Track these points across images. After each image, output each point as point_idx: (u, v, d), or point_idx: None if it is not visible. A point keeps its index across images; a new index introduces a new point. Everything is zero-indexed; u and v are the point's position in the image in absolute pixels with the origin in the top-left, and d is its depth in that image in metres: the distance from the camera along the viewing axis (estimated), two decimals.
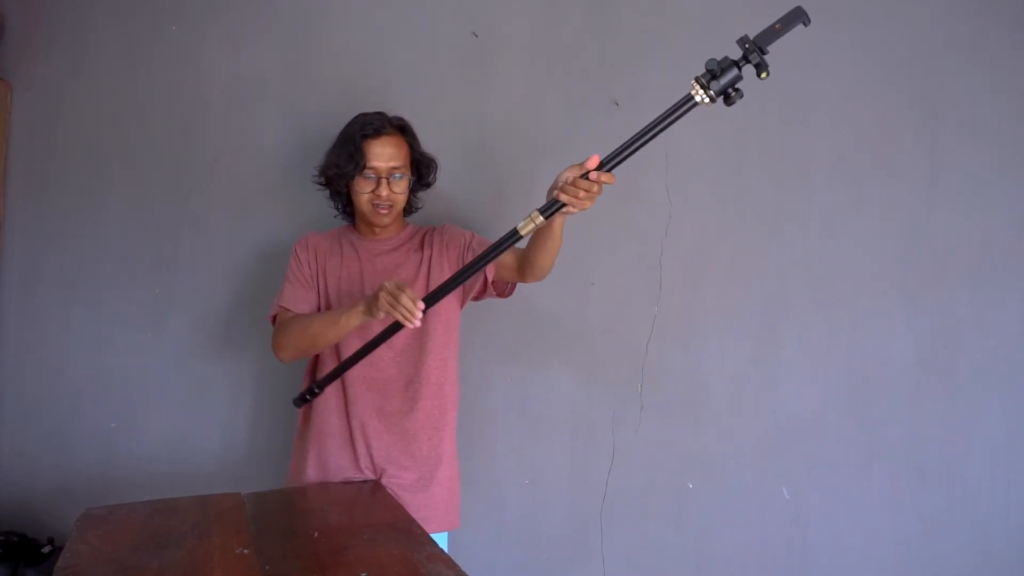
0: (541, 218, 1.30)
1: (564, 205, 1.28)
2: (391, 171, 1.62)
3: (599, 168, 1.24)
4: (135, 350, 2.09)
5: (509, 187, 1.96)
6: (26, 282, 2.13)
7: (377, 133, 1.61)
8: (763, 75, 1.13)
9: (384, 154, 1.61)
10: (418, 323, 1.35)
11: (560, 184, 1.28)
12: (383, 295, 1.37)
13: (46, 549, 1.96)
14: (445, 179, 1.92)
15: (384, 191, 1.61)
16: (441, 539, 1.65)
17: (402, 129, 1.67)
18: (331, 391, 1.65)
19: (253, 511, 1.40)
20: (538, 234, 1.44)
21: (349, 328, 1.50)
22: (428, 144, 1.78)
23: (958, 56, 1.83)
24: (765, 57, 1.13)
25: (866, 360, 1.85)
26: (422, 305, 1.35)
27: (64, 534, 1.91)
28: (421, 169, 1.72)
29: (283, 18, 2.06)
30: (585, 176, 1.25)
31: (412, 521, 1.37)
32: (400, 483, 1.61)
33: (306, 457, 1.66)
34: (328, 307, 1.66)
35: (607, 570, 1.92)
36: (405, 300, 1.34)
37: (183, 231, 2.08)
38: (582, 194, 1.25)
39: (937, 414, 1.82)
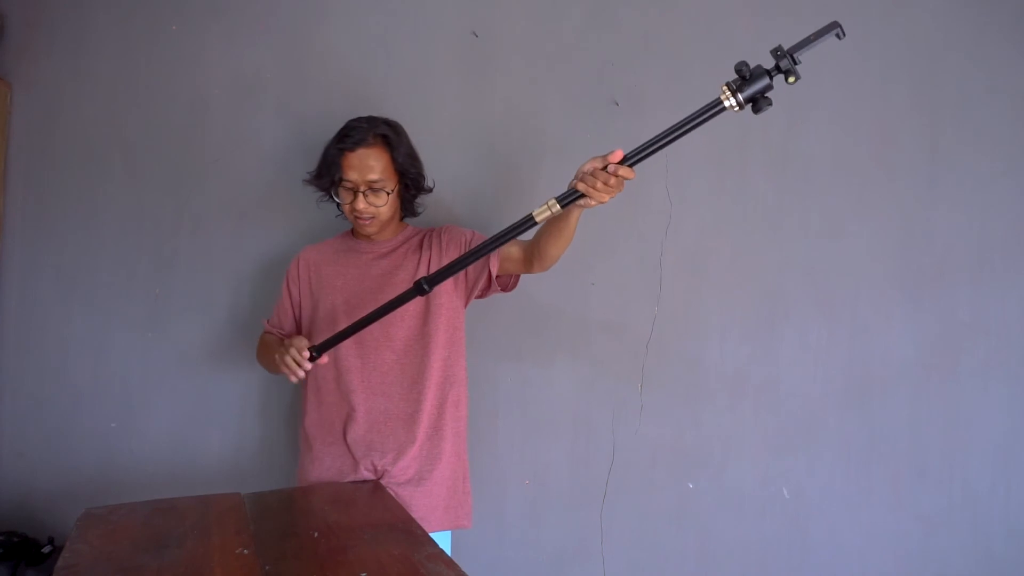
0: (558, 206, 1.30)
1: (582, 196, 1.28)
2: (368, 184, 1.59)
3: (622, 162, 1.24)
4: (135, 350, 2.09)
5: (509, 187, 1.96)
6: (26, 282, 2.13)
7: (355, 146, 1.57)
8: (791, 80, 1.14)
9: (361, 167, 1.58)
10: (302, 375, 1.49)
11: (580, 174, 1.28)
12: (284, 367, 1.50)
13: (46, 549, 1.96)
14: (445, 179, 1.92)
15: (360, 204, 1.59)
16: (444, 538, 1.65)
17: (384, 138, 1.61)
18: (333, 397, 1.65)
19: (253, 511, 1.39)
20: (552, 224, 1.43)
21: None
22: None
23: (958, 56, 1.83)
24: (797, 68, 1.14)
25: (866, 360, 1.85)
26: (306, 354, 1.49)
27: (64, 534, 1.91)
28: (407, 179, 1.67)
29: (283, 18, 2.06)
30: (605, 168, 1.25)
31: (412, 521, 1.37)
32: (397, 480, 1.61)
33: (308, 458, 1.67)
34: (331, 316, 1.67)
35: (607, 570, 1.92)
36: (290, 358, 1.48)
37: (183, 231, 2.07)
38: (600, 185, 1.25)
39: (937, 414, 1.82)
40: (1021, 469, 1.80)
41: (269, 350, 1.69)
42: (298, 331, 1.77)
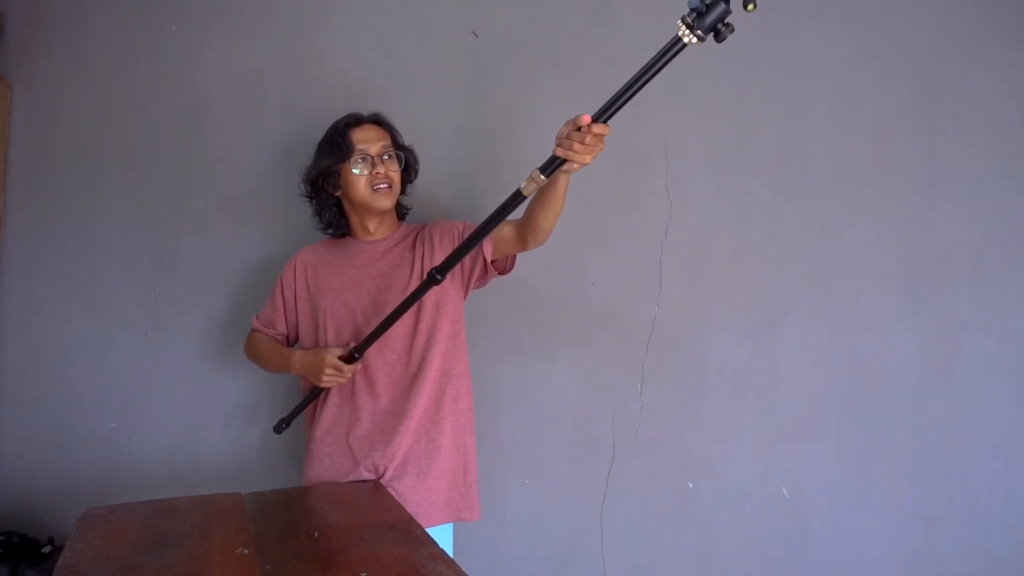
0: (542, 176, 1.31)
1: (564, 161, 1.28)
2: (382, 151, 1.66)
3: (592, 122, 1.23)
4: (135, 350, 2.09)
5: (509, 187, 1.95)
6: (26, 282, 2.13)
7: (359, 122, 1.69)
8: (750, 7, 1.07)
9: (371, 137, 1.67)
10: (344, 381, 1.60)
11: (558, 140, 1.28)
12: (327, 376, 1.57)
13: (46, 549, 1.96)
14: (444, 179, 1.92)
15: (381, 169, 1.65)
16: (445, 531, 1.66)
17: (378, 121, 1.72)
18: (335, 399, 1.66)
19: (253, 511, 1.40)
20: (541, 194, 1.44)
21: (284, 372, 1.76)
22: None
23: (958, 56, 1.83)
24: None
25: (866, 360, 1.85)
26: (353, 367, 1.59)
27: (64, 534, 1.91)
28: (407, 158, 1.74)
29: (283, 18, 2.06)
30: (579, 130, 1.24)
31: (412, 521, 1.37)
32: (397, 476, 1.61)
33: (309, 458, 1.68)
34: (333, 317, 1.67)
35: (607, 570, 1.92)
36: (346, 372, 1.58)
37: (183, 231, 2.08)
38: (577, 147, 1.25)
39: (937, 414, 1.82)
40: (1021, 469, 1.80)
41: (269, 355, 1.76)
42: (292, 333, 1.79)
